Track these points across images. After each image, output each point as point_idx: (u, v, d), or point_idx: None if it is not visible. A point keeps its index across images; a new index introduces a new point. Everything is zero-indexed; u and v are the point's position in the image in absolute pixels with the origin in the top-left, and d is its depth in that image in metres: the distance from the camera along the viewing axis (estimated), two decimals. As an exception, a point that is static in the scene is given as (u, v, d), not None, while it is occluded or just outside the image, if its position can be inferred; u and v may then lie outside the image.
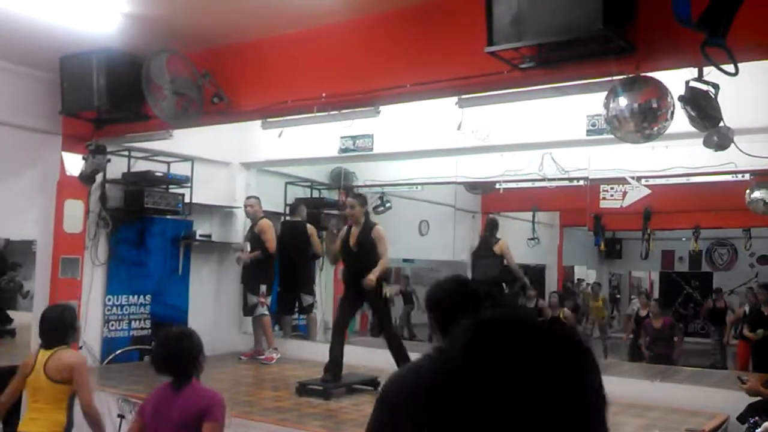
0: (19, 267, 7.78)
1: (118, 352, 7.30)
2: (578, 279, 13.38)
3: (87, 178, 6.62)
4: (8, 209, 6.55)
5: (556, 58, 4.02)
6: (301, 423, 5.01)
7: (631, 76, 3.87)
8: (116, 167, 7.15)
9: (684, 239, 12.13)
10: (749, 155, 4.60)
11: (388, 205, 10.02)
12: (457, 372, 0.80)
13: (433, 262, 11.87)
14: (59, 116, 6.41)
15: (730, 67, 3.43)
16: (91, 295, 7.09)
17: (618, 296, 14.58)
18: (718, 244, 12.89)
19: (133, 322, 7.52)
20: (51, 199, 6.80)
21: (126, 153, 7.32)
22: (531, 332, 0.83)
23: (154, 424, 3.26)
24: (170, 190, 7.63)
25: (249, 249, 7.63)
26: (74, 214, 6.91)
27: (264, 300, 7.59)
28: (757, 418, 4.68)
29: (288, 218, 8.75)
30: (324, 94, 5.08)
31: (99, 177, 6.90)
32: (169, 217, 7.75)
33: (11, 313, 7.89)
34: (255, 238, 7.64)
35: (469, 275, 8.17)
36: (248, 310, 7.69)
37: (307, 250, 8.32)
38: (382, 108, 5.25)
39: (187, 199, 7.65)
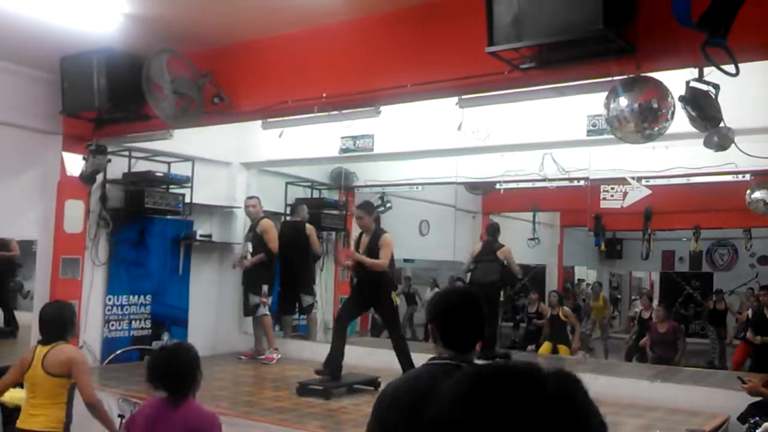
0: (20, 267, 7.78)
1: (119, 352, 7.30)
2: (578, 279, 13.38)
3: (87, 178, 6.62)
4: (9, 209, 6.56)
5: (557, 59, 4.01)
6: (301, 423, 5.01)
7: (631, 76, 3.87)
8: (116, 167, 7.16)
9: (684, 239, 12.13)
10: (750, 155, 4.60)
11: (388, 205, 10.03)
12: (455, 426, 0.80)
13: (434, 262, 11.88)
14: (60, 116, 6.41)
15: (730, 68, 3.42)
16: (91, 295, 7.09)
17: (619, 297, 14.58)
18: (718, 244, 12.89)
19: (133, 322, 7.52)
20: (51, 199, 6.80)
21: (126, 153, 7.33)
22: (532, 393, 0.81)
23: None
24: (170, 191, 7.63)
25: (251, 249, 7.64)
26: (75, 214, 6.91)
27: (266, 300, 7.60)
28: (757, 418, 4.68)
29: (288, 218, 8.76)
30: (324, 95, 5.08)
31: (99, 177, 6.90)
32: (169, 217, 7.75)
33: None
34: (257, 238, 7.64)
35: (467, 278, 8.20)
36: (250, 310, 7.69)
37: (306, 250, 8.32)
38: (382, 108, 5.25)
39: (187, 199, 7.66)
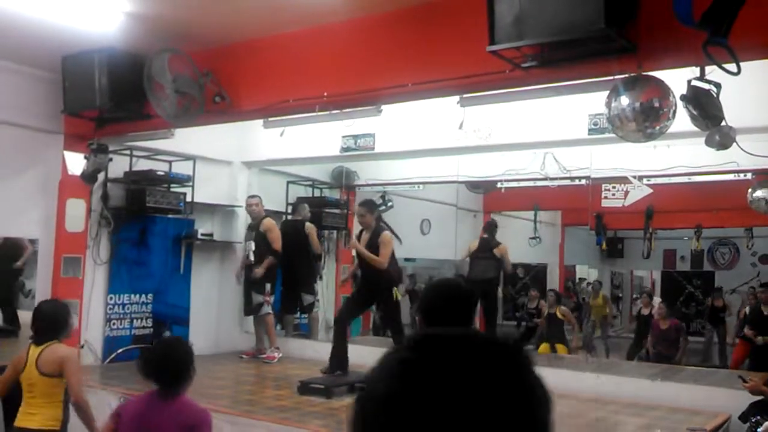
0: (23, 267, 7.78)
1: (120, 351, 7.31)
2: (580, 278, 13.38)
3: (89, 177, 6.63)
4: (10, 208, 6.56)
5: (558, 58, 4.02)
6: (302, 422, 5.01)
7: (632, 75, 3.87)
8: (118, 166, 7.16)
9: (686, 238, 12.10)
10: (751, 154, 4.60)
11: (389, 204, 10.02)
12: (394, 388, 0.76)
13: (435, 261, 11.88)
14: (61, 115, 6.42)
15: (732, 66, 3.42)
16: (92, 294, 7.10)
17: (620, 295, 14.57)
18: (719, 243, 12.88)
19: (134, 321, 7.54)
20: (53, 198, 6.81)
21: (128, 152, 7.33)
22: (473, 349, 0.78)
23: None
24: (172, 189, 7.63)
25: (253, 248, 7.64)
26: (76, 213, 6.92)
27: (269, 299, 7.61)
28: (759, 417, 4.68)
29: (290, 217, 8.76)
30: (326, 93, 5.09)
31: (101, 176, 6.91)
32: (170, 216, 7.75)
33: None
34: (260, 237, 7.65)
35: (466, 275, 8.21)
36: (253, 308, 7.69)
37: (306, 249, 8.33)
38: (383, 107, 5.25)
39: (188, 198, 7.66)
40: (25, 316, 7.34)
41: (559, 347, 9.30)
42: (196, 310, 8.03)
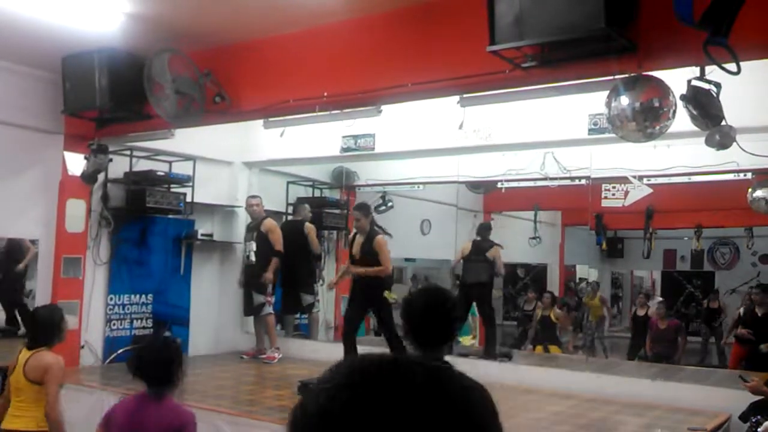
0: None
1: (120, 351, 7.30)
2: (580, 278, 13.37)
3: (89, 177, 6.63)
4: (10, 209, 6.56)
5: (558, 58, 4.02)
6: (302, 422, 5.00)
7: (632, 75, 3.87)
8: (118, 167, 7.16)
9: (686, 238, 12.09)
10: (751, 154, 4.60)
11: (389, 204, 10.02)
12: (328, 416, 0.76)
13: (435, 261, 11.87)
14: (61, 116, 6.42)
15: (732, 66, 3.42)
16: (93, 294, 7.10)
17: (620, 296, 14.57)
18: (720, 243, 12.86)
19: (135, 321, 7.54)
20: (53, 198, 6.81)
21: (128, 152, 7.32)
22: (413, 386, 0.76)
23: None
24: (172, 190, 7.63)
25: (255, 249, 7.64)
26: (76, 213, 6.92)
27: (270, 299, 7.61)
28: (759, 417, 4.67)
29: (290, 217, 8.76)
30: (326, 94, 5.09)
31: (101, 176, 6.91)
32: (170, 216, 7.75)
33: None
34: (261, 238, 7.64)
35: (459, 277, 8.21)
36: (254, 309, 7.68)
37: (305, 249, 8.33)
38: (383, 107, 5.25)
39: (188, 199, 7.66)
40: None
41: (552, 348, 9.30)
42: (197, 310, 8.03)
